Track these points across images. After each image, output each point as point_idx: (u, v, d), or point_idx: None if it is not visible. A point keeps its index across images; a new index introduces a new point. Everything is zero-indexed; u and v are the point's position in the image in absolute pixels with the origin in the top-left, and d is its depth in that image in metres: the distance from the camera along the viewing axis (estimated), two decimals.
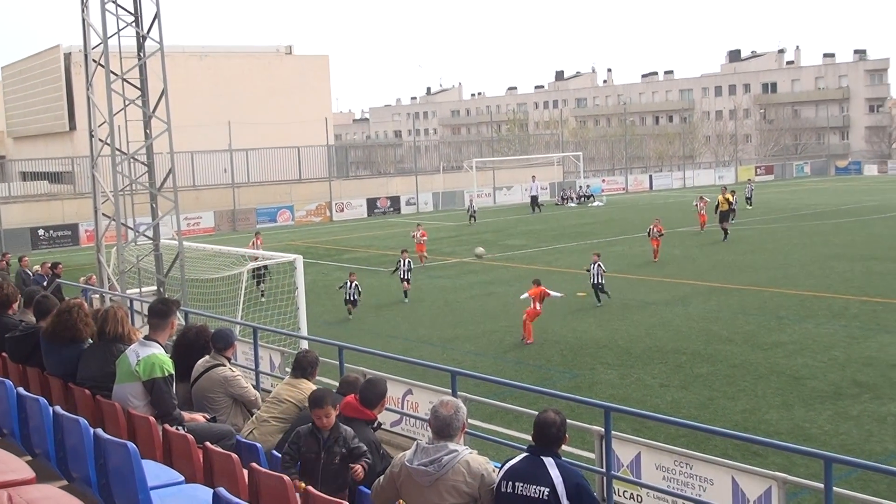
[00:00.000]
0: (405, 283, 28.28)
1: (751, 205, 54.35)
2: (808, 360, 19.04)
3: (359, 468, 7.25)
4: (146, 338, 8.94)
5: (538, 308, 22.28)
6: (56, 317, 9.74)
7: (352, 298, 25.93)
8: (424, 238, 35.81)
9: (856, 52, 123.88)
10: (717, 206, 40.56)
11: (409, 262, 28.55)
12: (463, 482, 6.38)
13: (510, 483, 6.36)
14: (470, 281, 31.55)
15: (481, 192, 67.60)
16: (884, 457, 13.30)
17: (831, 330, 21.78)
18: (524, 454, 6.55)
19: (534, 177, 64.73)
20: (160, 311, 9.13)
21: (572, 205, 65.68)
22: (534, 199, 60.65)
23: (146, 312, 10.44)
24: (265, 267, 26.29)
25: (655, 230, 34.05)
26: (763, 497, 8.76)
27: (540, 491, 6.26)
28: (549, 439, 6.52)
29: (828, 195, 65.05)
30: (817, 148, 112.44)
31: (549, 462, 6.39)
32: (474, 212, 54.60)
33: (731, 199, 40.71)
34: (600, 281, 26.12)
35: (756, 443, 11.65)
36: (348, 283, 25.96)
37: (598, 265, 26.15)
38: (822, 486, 7.56)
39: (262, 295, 26.33)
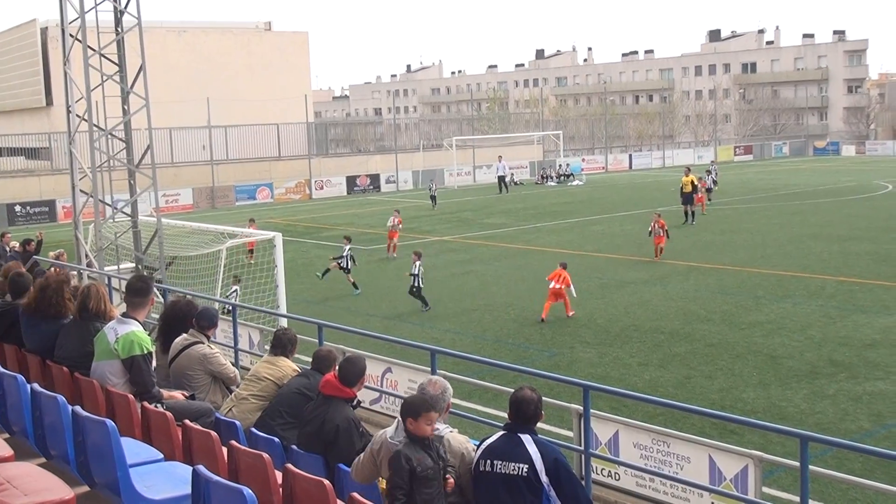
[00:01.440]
0: (348, 274, 26.51)
1: (716, 185, 51.95)
2: (784, 339, 19.18)
3: (450, 478, 6.48)
4: (124, 315, 8.90)
5: (560, 287, 21.64)
6: (40, 291, 9.67)
7: (347, 267, 26.37)
8: (400, 226, 33.79)
9: (835, 32, 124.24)
10: (681, 189, 39.27)
11: (348, 250, 26.56)
12: None
13: (488, 461, 6.39)
14: (449, 259, 31.56)
15: (461, 170, 67.50)
16: (858, 435, 13.43)
17: (808, 310, 21.93)
18: (501, 432, 6.59)
19: (500, 157, 63.69)
20: (139, 289, 9.08)
21: (552, 184, 65.73)
22: (501, 178, 59.69)
23: (123, 289, 10.39)
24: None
25: (658, 227, 29.52)
26: (739, 475, 8.82)
27: (518, 468, 6.29)
28: (527, 416, 6.55)
29: (806, 176, 65.37)
30: (796, 128, 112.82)
31: (526, 439, 6.43)
32: (435, 194, 51.36)
33: (694, 181, 39.05)
34: (419, 284, 23.57)
35: (733, 421, 11.73)
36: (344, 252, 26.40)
37: (418, 265, 23.63)
38: (797, 464, 7.62)
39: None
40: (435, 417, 6.46)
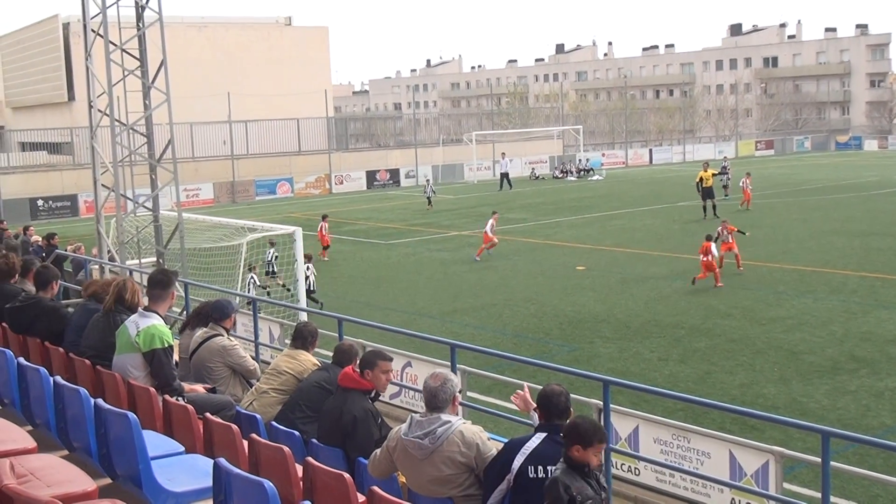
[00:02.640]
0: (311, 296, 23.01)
1: (729, 181, 47.65)
2: (806, 334, 19.08)
3: None
4: (146, 308, 8.95)
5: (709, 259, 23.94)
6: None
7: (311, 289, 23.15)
8: (490, 229, 30.34)
9: (857, 26, 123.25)
10: (699, 184, 38.83)
11: (310, 269, 23.23)
12: (458, 452, 6.42)
13: (539, 468, 6.16)
14: (469, 254, 31.53)
15: (481, 164, 67.42)
16: (881, 431, 13.35)
17: (830, 305, 21.81)
18: (539, 435, 6.36)
19: (503, 153, 62.34)
20: (161, 282, 9.12)
21: (571, 178, 65.58)
22: (504, 175, 58.17)
23: (144, 283, 10.43)
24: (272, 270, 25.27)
25: (727, 232, 26.65)
26: (760, 471, 8.81)
27: None
28: (559, 410, 6.42)
29: (828, 170, 64.94)
30: (818, 123, 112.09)
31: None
32: (432, 194, 47.84)
33: (707, 176, 38.52)
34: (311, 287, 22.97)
35: (753, 417, 11.70)
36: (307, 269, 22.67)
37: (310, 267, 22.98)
38: (819, 460, 7.59)
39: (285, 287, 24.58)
40: (600, 448, 5.97)
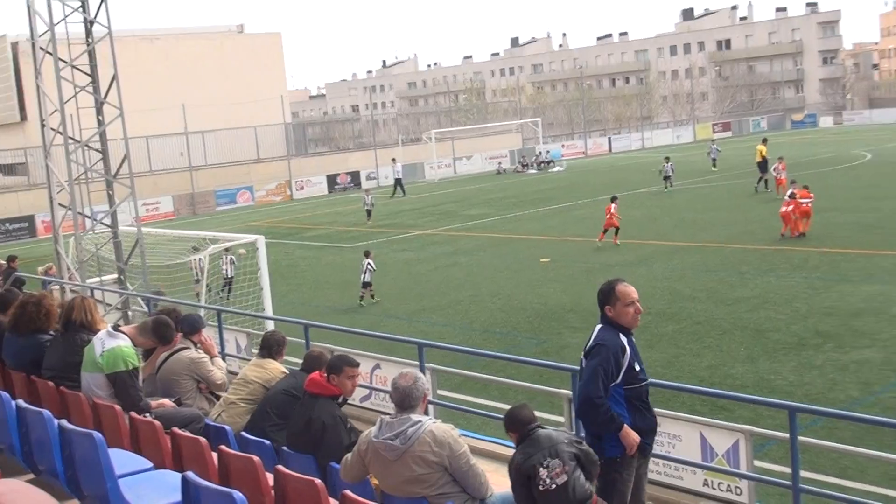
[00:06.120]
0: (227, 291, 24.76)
1: (715, 166, 52.41)
2: (770, 313, 19.26)
3: None
4: (115, 328, 8.87)
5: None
6: (19, 308, 9.66)
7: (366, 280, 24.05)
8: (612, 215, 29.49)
9: (808, 5, 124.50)
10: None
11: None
12: (430, 451, 6.42)
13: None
14: (433, 252, 31.56)
15: (441, 162, 67.42)
16: (847, 404, 13.51)
17: (793, 282, 22.02)
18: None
19: (394, 159, 59.11)
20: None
21: (532, 171, 65.75)
22: (397, 181, 55.68)
23: (107, 301, 10.38)
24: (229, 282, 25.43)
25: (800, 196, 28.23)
26: (731, 450, 8.85)
27: None
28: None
29: (785, 149, 65.19)
30: (773, 102, 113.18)
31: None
32: (371, 206, 42.69)
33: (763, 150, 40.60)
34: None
35: (722, 397, 11.79)
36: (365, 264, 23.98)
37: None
38: (788, 435, 7.66)
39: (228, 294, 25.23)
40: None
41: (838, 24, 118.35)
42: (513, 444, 6.77)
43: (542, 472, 6.38)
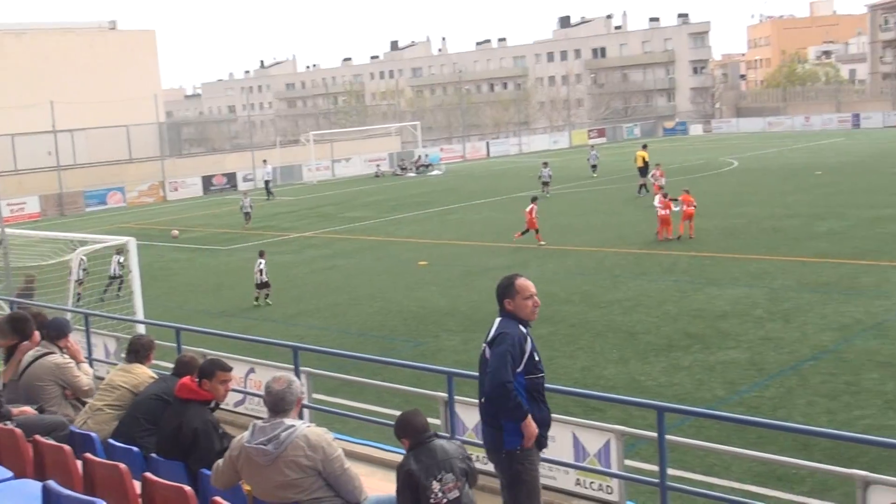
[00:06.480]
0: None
1: (595, 172, 52.58)
2: (642, 315, 19.73)
3: None
4: None
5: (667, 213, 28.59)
6: None
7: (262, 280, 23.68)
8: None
9: (679, 16, 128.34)
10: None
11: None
12: (303, 456, 6.35)
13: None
14: (311, 255, 31.31)
15: (319, 164, 66.96)
16: (713, 403, 13.94)
17: (663, 285, 22.61)
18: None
19: (265, 161, 58.67)
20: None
21: (411, 174, 65.85)
22: (266, 183, 55.45)
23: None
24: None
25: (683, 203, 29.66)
26: (603, 449, 9.02)
27: None
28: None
29: (657, 156, 66.80)
30: (646, 110, 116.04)
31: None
32: (249, 209, 41.36)
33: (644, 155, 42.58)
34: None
35: (594, 398, 12.00)
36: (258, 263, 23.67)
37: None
38: (656, 435, 7.84)
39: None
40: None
41: (708, 35, 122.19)
42: (393, 448, 6.78)
43: (436, 485, 6.44)
